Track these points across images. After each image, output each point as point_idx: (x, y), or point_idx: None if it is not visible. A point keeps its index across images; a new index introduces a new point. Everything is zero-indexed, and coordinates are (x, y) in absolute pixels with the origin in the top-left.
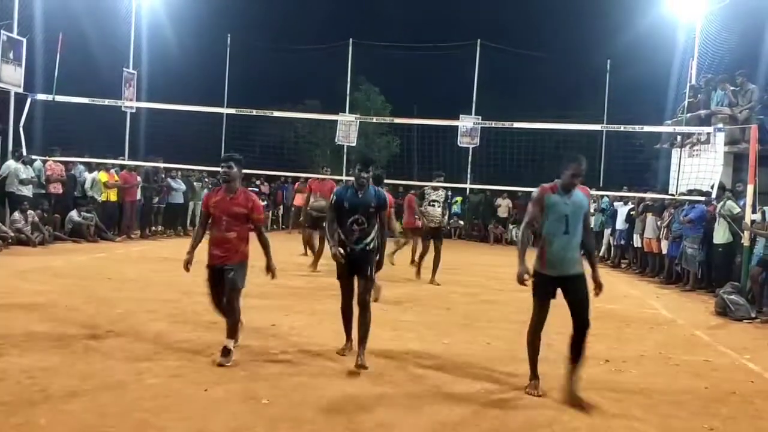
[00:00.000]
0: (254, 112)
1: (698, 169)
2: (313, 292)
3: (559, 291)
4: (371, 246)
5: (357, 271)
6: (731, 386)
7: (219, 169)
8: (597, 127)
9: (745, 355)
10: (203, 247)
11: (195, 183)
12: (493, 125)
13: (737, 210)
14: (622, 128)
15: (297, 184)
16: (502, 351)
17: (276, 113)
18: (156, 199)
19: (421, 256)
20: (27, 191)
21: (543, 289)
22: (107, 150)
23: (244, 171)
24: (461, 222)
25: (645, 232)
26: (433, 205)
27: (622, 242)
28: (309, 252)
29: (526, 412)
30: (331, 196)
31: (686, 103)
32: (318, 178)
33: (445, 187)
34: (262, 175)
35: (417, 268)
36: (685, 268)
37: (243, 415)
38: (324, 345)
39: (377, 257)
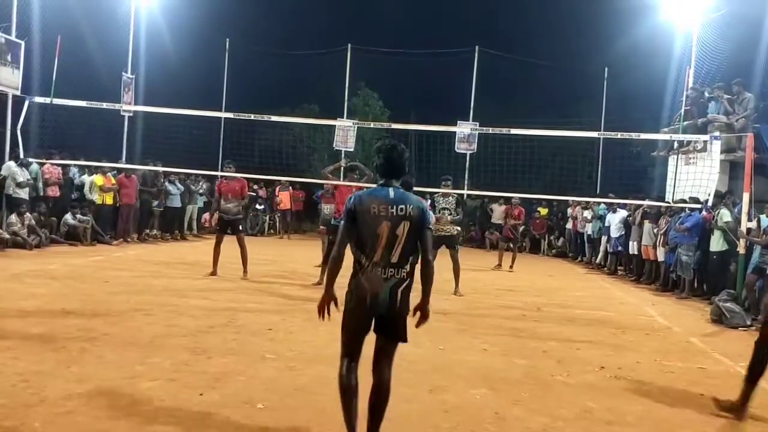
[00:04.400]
0: (252, 117)
1: (694, 176)
2: (309, 297)
3: None
4: None
5: None
6: (726, 394)
7: (217, 173)
8: (594, 134)
9: (740, 362)
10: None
11: (192, 187)
12: (490, 131)
13: (727, 219)
14: (618, 135)
15: (278, 187)
16: (498, 357)
17: (274, 118)
18: (155, 203)
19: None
20: (24, 194)
21: None
22: (105, 153)
23: (243, 175)
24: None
25: (642, 239)
26: (443, 213)
27: (619, 249)
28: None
29: (520, 419)
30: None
31: (683, 111)
32: (225, 177)
33: (455, 193)
34: (261, 179)
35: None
36: (681, 276)
37: (238, 420)
38: (320, 350)
39: None
